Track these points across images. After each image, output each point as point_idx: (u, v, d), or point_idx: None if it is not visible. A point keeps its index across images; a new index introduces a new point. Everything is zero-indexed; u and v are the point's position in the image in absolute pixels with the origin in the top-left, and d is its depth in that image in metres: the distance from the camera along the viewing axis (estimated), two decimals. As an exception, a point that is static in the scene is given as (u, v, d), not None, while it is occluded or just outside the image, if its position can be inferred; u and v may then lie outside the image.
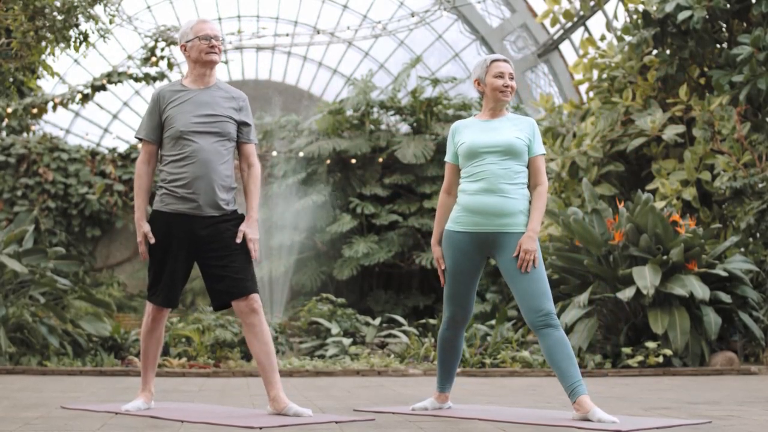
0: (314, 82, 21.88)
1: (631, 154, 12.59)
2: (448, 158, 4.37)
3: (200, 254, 4.24)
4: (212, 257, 4.20)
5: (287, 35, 20.09)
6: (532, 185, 4.20)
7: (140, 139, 4.36)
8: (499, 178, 4.10)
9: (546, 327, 3.96)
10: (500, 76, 4.24)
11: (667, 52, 12.15)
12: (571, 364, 3.94)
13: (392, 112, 16.34)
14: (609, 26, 14.73)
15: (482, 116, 4.31)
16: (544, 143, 13.01)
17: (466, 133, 4.26)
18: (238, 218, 4.28)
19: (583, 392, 3.91)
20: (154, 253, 4.28)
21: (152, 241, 4.24)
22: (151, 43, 14.42)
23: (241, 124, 4.34)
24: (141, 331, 4.42)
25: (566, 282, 9.63)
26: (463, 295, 4.26)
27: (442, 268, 4.28)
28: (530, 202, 4.18)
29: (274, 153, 16.40)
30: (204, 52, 4.29)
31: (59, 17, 7.89)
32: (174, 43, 14.50)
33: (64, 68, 19.07)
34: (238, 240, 4.16)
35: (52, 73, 10.41)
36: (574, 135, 13.26)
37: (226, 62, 16.24)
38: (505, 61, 4.29)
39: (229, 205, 4.27)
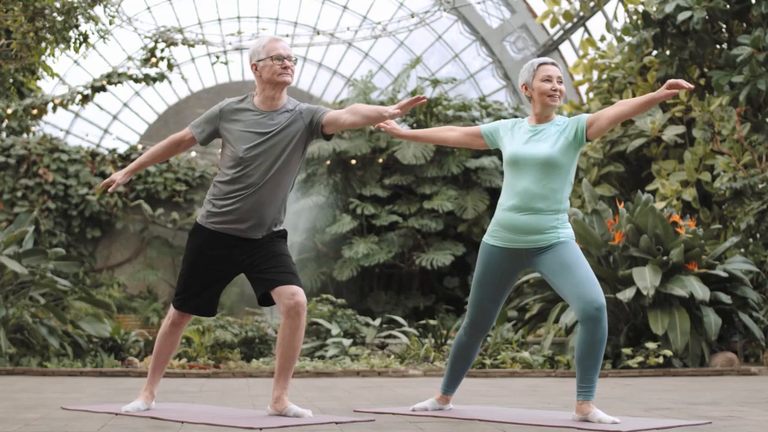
0: (314, 82, 21.90)
1: (631, 155, 12.60)
2: (482, 126, 4.30)
3: (240, 267, 4.19)
4: (253, 264, 4.14)
5: (287, 36, 20.09)
6: (614, 112, 3.98)
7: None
8: (535, 197, 4.01)
9: (595, 320, 3.85)
10: (548, 79, 4.10)
11: (667, 52, 12.15)
12: (594, 367, 3.90)
13: (392, 113, 16.32)
14: (609, 27, 14.75)
15: (531, 121, 4.19)
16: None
17: (514, 138, 4.16)
18: (281, 233, 4.22)
19: (590, 398, 3.90)
20: (188, 262, 4.23)
21: (111, 189, 4.21)
22: (151, 44, 14.44)
23: (312, 115, 4.17)
24: (158, 333, 4.38)
25: (566, 283, 9.61)
26: (488, 305, 4.22)
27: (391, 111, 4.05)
28: (564, 210, 4.08)
29: (274, 154, 16.38)
30: (276, 74, 4.14)
31: (59, 18, 7.89)
32: (174, 44, 14.51)
33: (63, 69, 19.09)
34: (392, 112, 3.90)
35: (52, 74, 10.43)
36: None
37: (226, 63, 16.23)
38: (553, 64, 4.15)
39: (275, 228, 4.20)
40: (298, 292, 4.04)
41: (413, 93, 15.98)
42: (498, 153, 14.58)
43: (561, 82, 4.14)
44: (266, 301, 4.17)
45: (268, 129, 4.14)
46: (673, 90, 3.83)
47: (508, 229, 4.07)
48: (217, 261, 4.18)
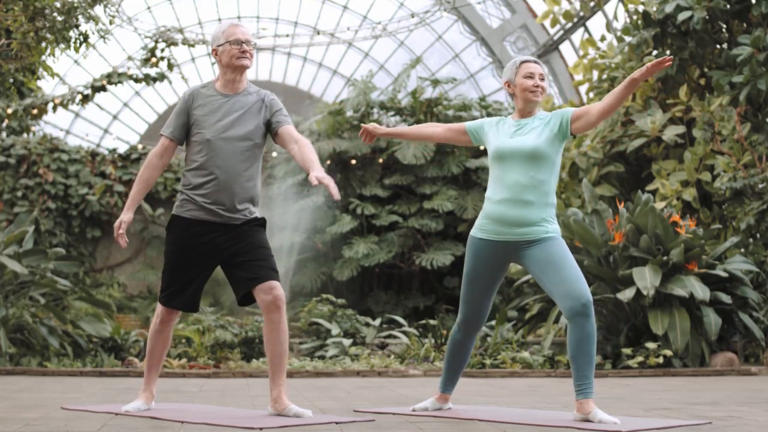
0: (314, 82, 21.89)
1: (631, 155, 12.59)
2: (467, 123, 4.36)
3: (221, 257, 4.21)
4: (234, 255, 4.16)
5: (287, 36, 20.10)
6: (597, 106, 4.04)
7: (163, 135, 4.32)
8: (524, 189, 4.06)
9: (583, 316, 3.89)
10: (530, 76, 4.19)
11: (667, 52, 12.15)
12: (589, 363, 3.92)
13: (392, 113, 16.33)
14: (609, 27, 14.74)
15: (514, 117, 4.28)
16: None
17: (498, 133, 4.23)
18: (259, 222, 4.25)
19: (590, 395, 3.91)
20: (170, 256, 4.25)
21: (119, 232, 4.25)
22: (151, 44, 14.43)
23: (273, 114, 4.26)
24: (149, 332, 4.40)
25: (566, 283, 9.61)
26: (479, 300, 4.24)
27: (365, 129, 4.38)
28: (552, 205, 4.13)
29: (274, 154, 16.41)
30: (235, 57, 4.22)
31: (59, 18, 7.89)
32: (174, 44, 14.50)
33: (64, 69, 19.09)
34: (314, 182, 3.90)
35: (52, 74, 10.42)
36: (574, 136, 13.26)
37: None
38: (535, 62, 4.25)
39: (252, 214, 4.23)
40: (275, 286, 4.09)
41: (414, 93, 15.98)
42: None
43: (543, 79, 4.22)
44: (246, 300, 4.21)
45: (233, 112, 4.22)
46: (653, 69, 3.91)
47: (498, 221, 4.11)
48: (198, 250, 4.20)
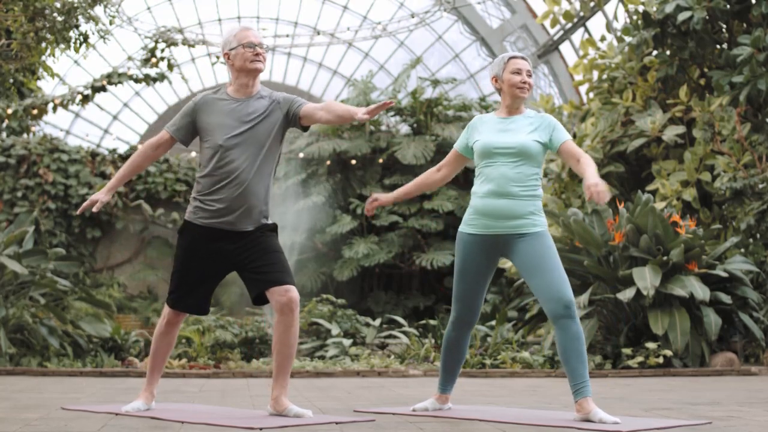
0: (314, 82, 21.89)
1: (631, 155, 12.59)
2: (456, 146, 4.39)
3: (234, 263, 4.18)
4: (246, 261, 4.13)
5: (287, 36, 20.09)
6: (574, 162, 4.10)
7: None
8: (510, 181, 4.10)
9: (566, 318, 3.94)
10: (518, 72, 4.23)
11: (667, 52, 12.15)
12: (581, 363, 3.94)
13: (392, 113, 16.34)
14: (609, 27, 14.74)
15: (500, 113, 4.31)
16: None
17: (483, 130, 4.26)
18: (271, 227, 4.22)
19: (588, 394, 3.92)
20: (180, 260, 4.25)
21: (96, 208, 4.18)
22: (151, 44, 14.44)
23: (290, 105, 4.19)
24: (154, 333, 4.39)
25: (566, 283, 9.61)
26: (472, 296, 4.26)
27: (372, 200, 4.40)
28: (538, 197, 4.16)
29: (274, 154, 16.38)
30: (248, 61, 4.19)
31: (59, 18, 7.89)
32: (174, 44, 14.51)
33: (64, 69, 19.08)
34: (364, 116, 3.89)
35: (52, 74, 10.43)
36: (574, 136, 13.26)
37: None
38: (522, 58, 4.28)
39: (263, 220, 4.20)
40: (290, 289, 4.06)
41: (413, 93, 15.97)
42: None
43: (530, 76, 4.26)
44: (260, 300, 4.19)
45: (246, 116, 4.17)
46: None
47: (486, 214, 4.14)
48: (209, 257, 4.19)
